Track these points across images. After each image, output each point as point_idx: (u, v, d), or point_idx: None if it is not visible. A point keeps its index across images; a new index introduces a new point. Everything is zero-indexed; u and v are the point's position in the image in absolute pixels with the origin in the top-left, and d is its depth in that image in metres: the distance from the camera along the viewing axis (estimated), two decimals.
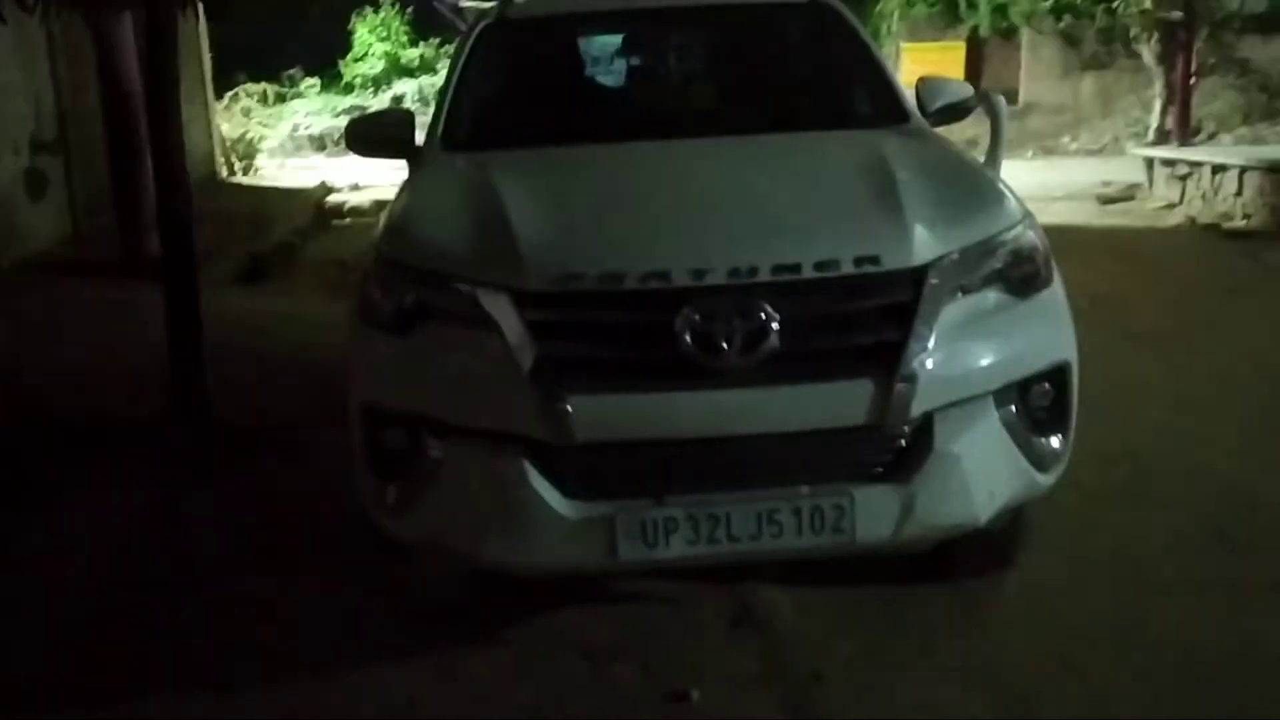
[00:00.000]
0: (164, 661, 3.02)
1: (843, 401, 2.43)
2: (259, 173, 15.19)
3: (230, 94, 17.76)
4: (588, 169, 3.17)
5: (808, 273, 2.44)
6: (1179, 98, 11.28)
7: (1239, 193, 9.47)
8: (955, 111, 3.64)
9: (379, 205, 12.60)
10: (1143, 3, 11.46)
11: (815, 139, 3.46)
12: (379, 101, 19.35)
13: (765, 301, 2.40)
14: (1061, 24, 13.89)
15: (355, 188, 13.81)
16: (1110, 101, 15.73)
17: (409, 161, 3.73)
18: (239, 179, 14.32)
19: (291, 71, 19.79)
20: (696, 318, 2.39)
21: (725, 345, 2.39)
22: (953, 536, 2.67)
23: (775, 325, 2.39)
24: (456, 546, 2.63)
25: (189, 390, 4.24)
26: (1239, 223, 9.30)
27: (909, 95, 3.66)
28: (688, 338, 2.39)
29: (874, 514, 2.47)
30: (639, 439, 2.44)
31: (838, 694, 2.69)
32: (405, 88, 19.63)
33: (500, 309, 2.46)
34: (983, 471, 2.54)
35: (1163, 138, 11.54)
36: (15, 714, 2.83)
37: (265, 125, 18.55)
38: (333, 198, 13.14)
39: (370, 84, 20.05)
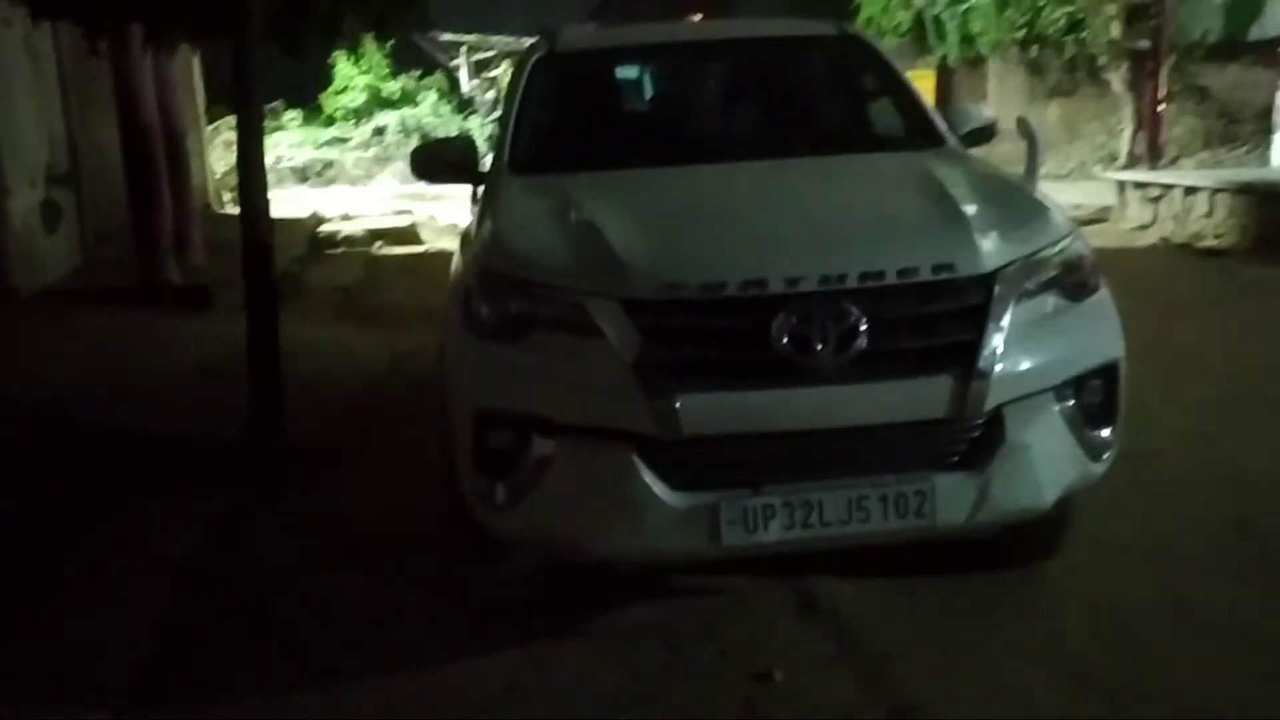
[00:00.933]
0: (261, 659, 3.18)
1: (924, 397, 2.66)
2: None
3: (211, 127, 17.88)
4: (663, 189, 3.39)
5: (891, 279, 2.67)
6: (1148, 123, 11.73)
7: (1210, 214, 9.88)
8: (983, 135, 3.92)
9: (373, 234, 12.85)
10: (1111, 33, 11.91)
11: (866, 160, 3.72)
12: (360, 134, 19.57)
13: (854, 305, 2.63)
14: (1029, 53, 14.36)
15: (346, 218, 13.98)
16: (1075, 128, 16.22)
17: (475, 184, 3.95)
18: (230, 211, 14.41)
19: (273, 104, 19.92)
20: (793, 321, 2.62)
21: (819, 346, 2.61)
22: (1020, 521, 2.91)
23: (863, 327, 2.62)
24: (565, 538, 2.82)
25: (265, 410, 4.40)
26: (1211, 242, 9.70)
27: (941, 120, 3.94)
28: (784, 339, 2.62)
29: (952, 500, 2.70)
30: (739, 433, 2.66)
31: (909, 673, 2.90)
32: (387, 119, 19.84)
33: (609, 316, 2.67)
34: (1047, 460, 2.78)
35: (1133, 161, 11.98)
36: (121, 712, 2.98)
37: None
38: (325, 228, 13.29)
39: (352, 116, 20.22)
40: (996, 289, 2.71)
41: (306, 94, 20.71)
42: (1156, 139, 11.68)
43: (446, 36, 19.23)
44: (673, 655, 3.06)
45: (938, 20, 15.52)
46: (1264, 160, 11.58)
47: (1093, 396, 2.88)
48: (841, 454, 2.70)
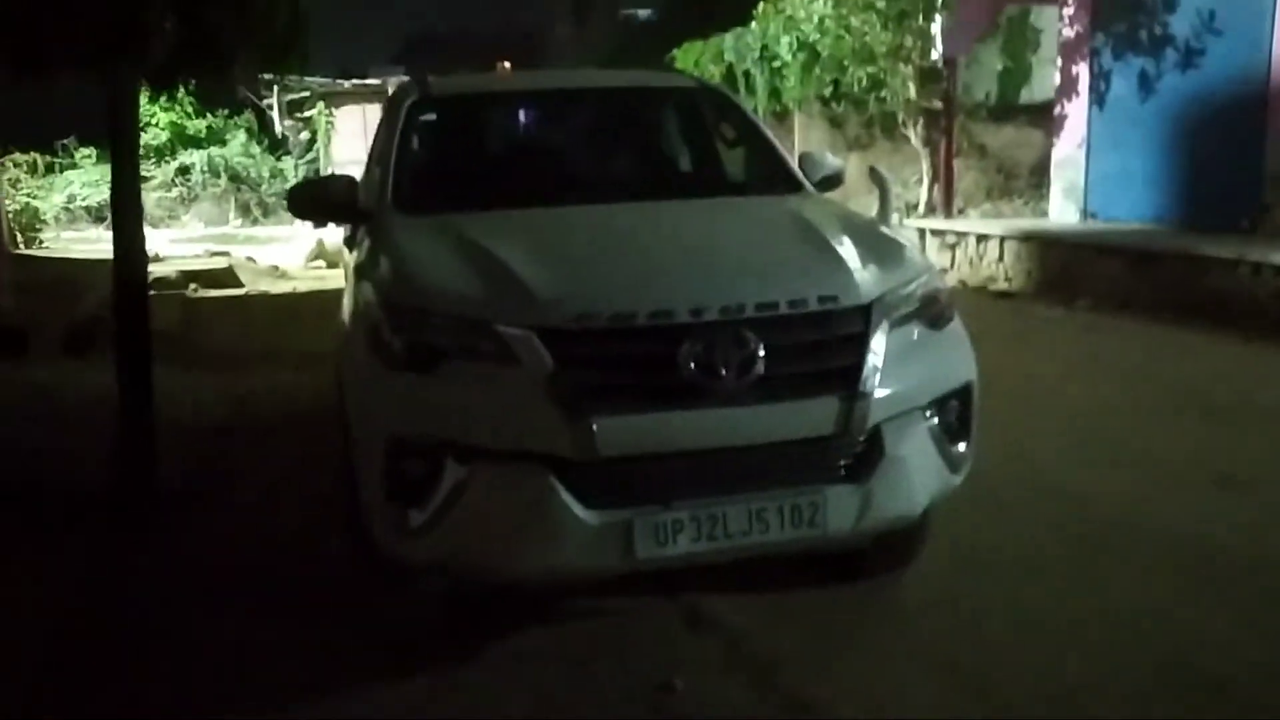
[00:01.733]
0: (145, 703, 3.12)
1: (815, 416, 2.91)
2: (42, 245, 14.45)
3: None
4: (556, 227, 3.54)
5: (783, 309, 2.92)
6: (943, 176, 12.69)
7: (1001, 258, 10.81)
8: (833, 181, 4.27)
9: (187, 276, 12.39)
10: (908, 93, 12.87)
11: (738, 202, 4.00)
12: (162, 173, 18.79)
13: (751, 333, 2.86)
14: (834, 108, 15.29)
15: (156, 259, 13.41)
16: (872, 179, 17.35)
17: (356, 223, 4.00)
18: (24, 250, 13.60)
19: (65, 141, 18.91)
20: (698, 348, 2.82)
21: (722, 371, 2.82)
22: (894, 528, 3.20)
23: (760, 353, 2.85)
24: (481, 560, 2.91)
25: (136, 453, 4.27)
26: (1003, 285, 10.62)
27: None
28: (691, 365, 2.82)
29: (841, 509, 2.95)
30: (651, 452, 2.83)
31: (797, 676, 3.12)
32: (193, 158, 19.15)
33: (525, 345, 2.80)
34: (918, 472, 3.08)
35: (931, 211, 12.93)
36: None
37: (35, 197, 17.62)
38: None
39: (153, 154, 19.41)
40: (873, 318, 3.00)
41: (99, 130, 19.75)
42: (950, 190, 12.66)
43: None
44: (575, 673, 3.19)
45: (748, 74, 16.34)
46: (1039, 211, 12.73)
47: (952, 415, 3.21)
48: (743, 470, 2.91)
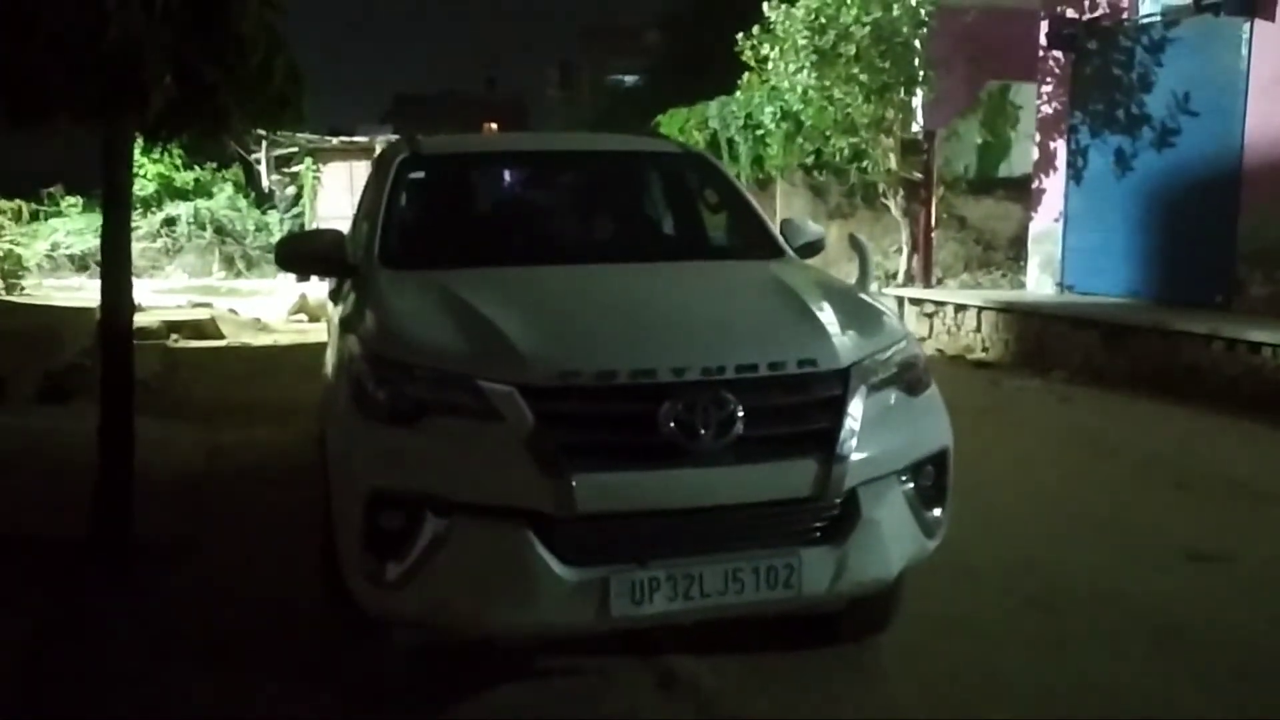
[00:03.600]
0: None
1: (792, 478, 2.94)
2: (23, 291, 14.42)
3: None
4: (540, 286, 3.59)
5: (763, 371, 2.97)
6: (922, 246, 12.89)
7: (978, 328, 10.95)
8: (814, 248, 4.35)
9: (169, 327, 12.38)
10: (889, 163, 13.11)
11: (720, 266, 4.07)
12: (148, 223, 18.84)
13: (731, 394, 2.90)
14: (817, 176, 15.54)
15: (139, 309, 13.40)
16: (853, 247, 17.57)
17: (342, 277, 4.04)
18: (5, 297, 13.56)
19: (51, 189, 18.96)
20: (679, 407, 2.86)
21: (702, 430, 2.86)
22: (868, 592, 3.22)
23: (740, 414, 2.89)
24: (458, 614, 2.91)
25: (115, 503, 4.26)
26: (980, 354, 10.74)
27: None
28: (671, 424, 2.85)
29: (816, 571, 2.97)
30: (629, 510, 2.85)
31: None
32: (180, 210, 19.21)
33: (507, 401, 2.84)
34: (894, 536, 3.11)
35: (910, 280, 13.10)
36: None
37: (18, 244, 17.61)
38: None
39: (139, 205, 19.47)
40: (851, 382, 3.05)
41: (86, 180, 19.81)
42: (929, 260, 12.85)
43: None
44: None
45: (731, 141, 16.62)
46: (1016, 283, 12.92)
47: (928, 480, 3.25)
48: (720, 530, 2.93)
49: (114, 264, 4.12)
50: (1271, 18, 9.00)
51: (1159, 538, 4.88)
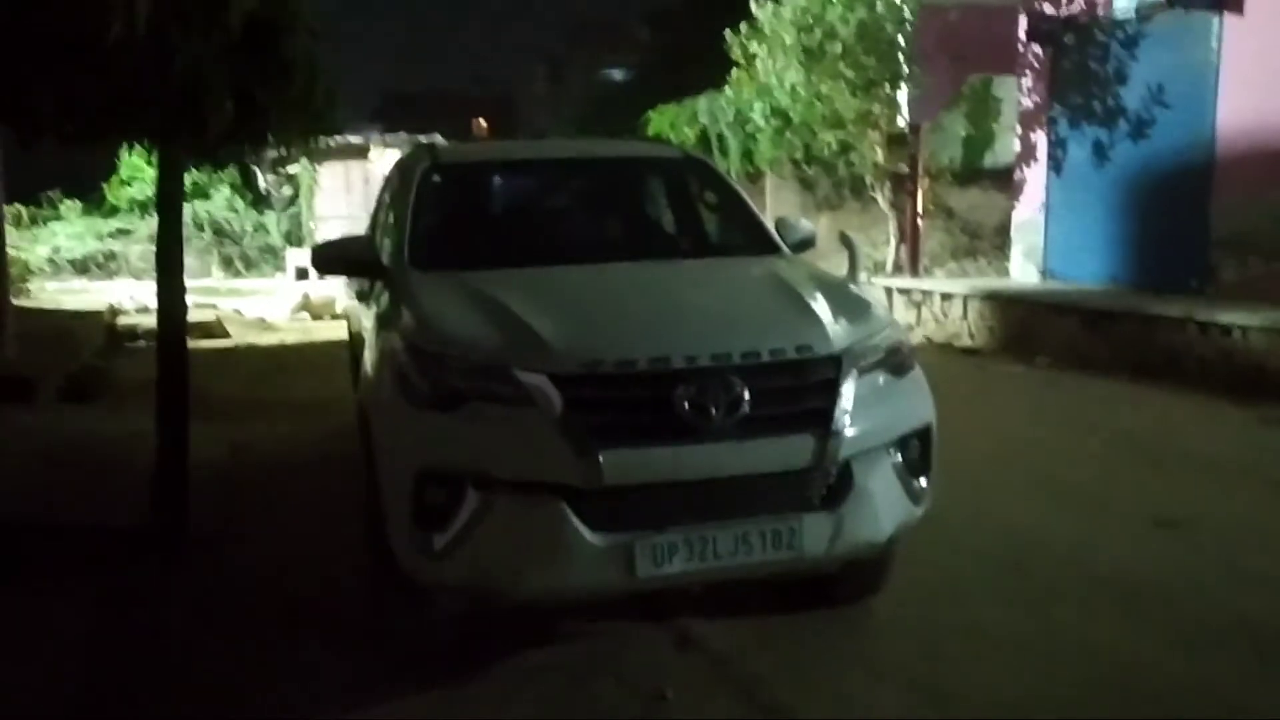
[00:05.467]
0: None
1: (793, 451, 3.29)
2: (29, 296, 14.70)
3: None
4: (560, 284, 3.92)
5: (765, 357, 3.32)
6: (909, 237, 13.26)
7: (965, 317, 11.32)
8: (806, 244, 4.70)
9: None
10: (876, 157, 13.48)
11: (723, 263, 4.43)
12: (147, 226, 19.09)
13: (737, 378, 3.24)
14: (806, 170, 15.90)
15: (144, 310, 13.69)
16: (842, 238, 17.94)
17: (374, 279, 4.38)
18: (21, 303, 13.83)
19: (51, 193, 19.21)
20: (691, 390, 3.21)
21: (713, 411, 3.21)
22: (862, 554, 3.58)
23: (746, 396, 3.24)
24: (499, 579, 3.24)
25: (172, 497, 4.59)
26: (967, 341, 11.11)
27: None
28: (685, 405, 3.20)
29: (816, 534, 3.32)
30: (649, 482, 3.20)
31: (778, 688, 3.47)
32: None
33: (539, 388, 3.18)
34: (884, 502, 3.46)
35: (898, 270, 13.48)
36: None
37: (19, 249, 17.87)
38: (123, 320, 13.00)
39: (137, 208, 19.72)
40: (843, 366, 3.41)
41: (84, 184, 20.07)
42: (916, 250, 13.22)
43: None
44: (574, 686, 3.53)
45: (721, 137, 16.97)
46: (1002, 271, 13.30)
47: (913, 452, 3.61)
48: (730, 498, 3.27)
49: (168, 272, 4.46)
50: (1240, 11, 9.37)
51: (1130, 508, 5.25)
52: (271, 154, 20.54)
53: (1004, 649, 3.74)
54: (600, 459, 3.12)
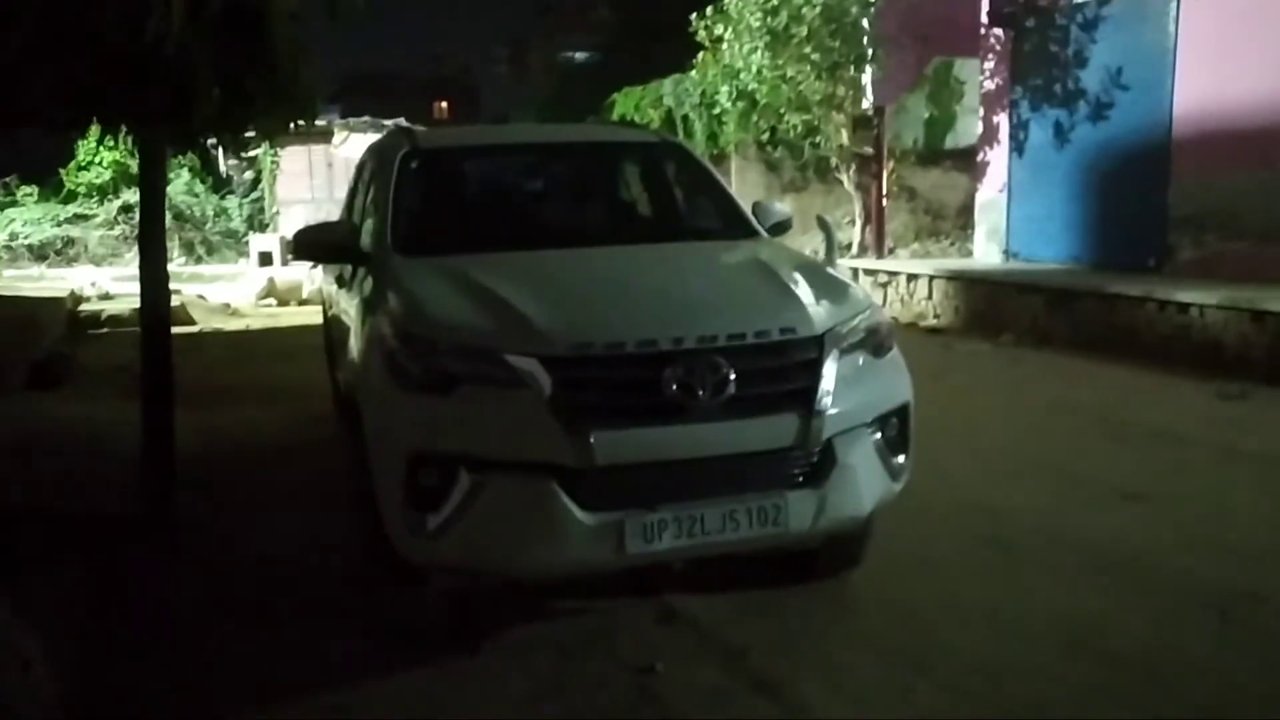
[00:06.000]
0: (185, 692, 3.49)
1: (777, 430, 3.38)
2: None
3: None
4: (545, 268, 3.97)
5: (750, 339, 3.40)
6: (875, 218, 13.40)
7: (930, 296, 11.49)
8: (782, 227, 4.79)
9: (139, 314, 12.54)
10: (841, 139, 13.60)
11: (704, 246, 4.50)
12: (105, 211, 18.85)
13: (723, 360, 3.32)
14: (771, 152, 16.01)
15: (107, 297, 13.57)
16: (808, 219, 18.03)
17: (356, 265, 4.41)
18: None
19: (6, 179, 18.89)
20: (679, 372, 3.28)
21: (700, 391, 3.29)
22: (844, 529, 3.68)
23: (731, 377, 3.32)
24: (492, 558, 3.31)
25: (158, 483, 4.61)
26: (932, 321, 11.28)
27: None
28: (673, 386, 3.27)
29: (800, 511, 3.41)
30: (639, 461, 3.27)
31: (763, 660, 3.57)
32: (137, 197, 19.22)
33: (530, 370, 3.24)
34: (865, 479, 3.56)
35: (863, 251, 13.62)
36: None
37: None
38: (85, 307, 12.86)
39: (95, 193, 19.43)
40: (825, 347, 3.49)
41: (40, 169, 19.75)
42: (881, 231, 13.36)
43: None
44: (566, 660, 3.61)
45: (686, 119, 17.02)
46: (966, 251, 13.48)
47: (893, 430, 3.71)
48: (717, 476, 3.36)
49: (151, 259, 4.45)
50: None
51: (1096, 480, 5.41)
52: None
53: (979, 617, 3.86)
54: (591, 439, 3.19)
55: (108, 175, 19.57)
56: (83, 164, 19.48)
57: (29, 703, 2.43)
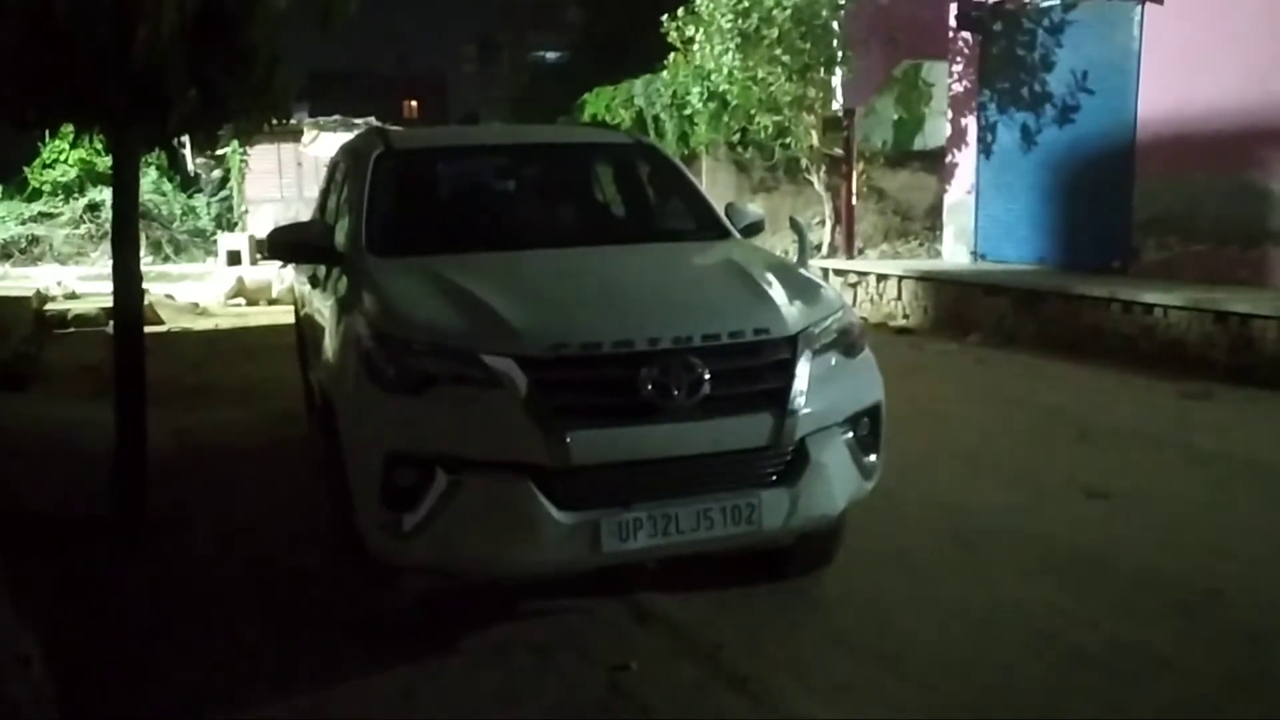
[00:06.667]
0: (160, 694, 3.48)
1: (751, 430, 3.42)
2: None
3: None
4: (521, 268, 3.99)
5: (725, 339, 3.43)
6: (845, 219, 13.49)
7: (899, 297, 11.59)
8: (755, 228, 4.83)
9: (107, 313, 12.40)
10: (811, 140, 13.69)
11: (678, 247, 4.53)
12: (71, 210, 18.64)
13: (698, 360, 3.36)
14: (742, 153, 16.08)
15: (73, 296, 13.44)
16: (778, 220, 18.14)
17: (330, 264, 4.40)
18: None
19: None
20: (654, 372, 3.31)
21: (675, 391, 3.32)
22: (817, 527, 3.73)
23: (706, 377, 3.35)
24: (467, 557, 3.33)
25: (131, 483, 4.58)
26: (902, 321, 11.38)
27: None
28: (649, 386, 3.30)
29: (774, 509, 3.46)
30: (615, 461, 3.30)
31: (737, 656, 3.61)
32: (103, 195, 19.02)
33: (505, 371, 3.26)
34: (838, 478, 3.61)
35: (833, 251, 13.71)
36: None
37: None
38: (51, 306, 12.73)
39: (61, 191, 19.20)
40: (798, 347, 3.54)
41: (4, 166, 19.51)
42: (851, 232, 13.46)
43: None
44: (540, 659, 3.64)
45: (657, 119, 17.07)
46: (934, 252, 13.61)
47: (864, 430, 3.76)
48: (692, 475, 3.40)
49: (123, 257, 4.43)
50: (1160, 0, 9.71)
51: (1062, 479, 5.50)
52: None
53: (948, 614, 3.92)
54: (568, 439, 3.22)
55: (74, 173, 19.33)
56: (48, 161, 19.25)
57: (29, 699, 2.43)
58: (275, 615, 4.02)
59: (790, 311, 3.63)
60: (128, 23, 3.15)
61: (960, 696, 3.34)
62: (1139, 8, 9.89)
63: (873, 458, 3.81)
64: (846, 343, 3.79)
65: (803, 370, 3.51)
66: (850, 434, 3.69)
